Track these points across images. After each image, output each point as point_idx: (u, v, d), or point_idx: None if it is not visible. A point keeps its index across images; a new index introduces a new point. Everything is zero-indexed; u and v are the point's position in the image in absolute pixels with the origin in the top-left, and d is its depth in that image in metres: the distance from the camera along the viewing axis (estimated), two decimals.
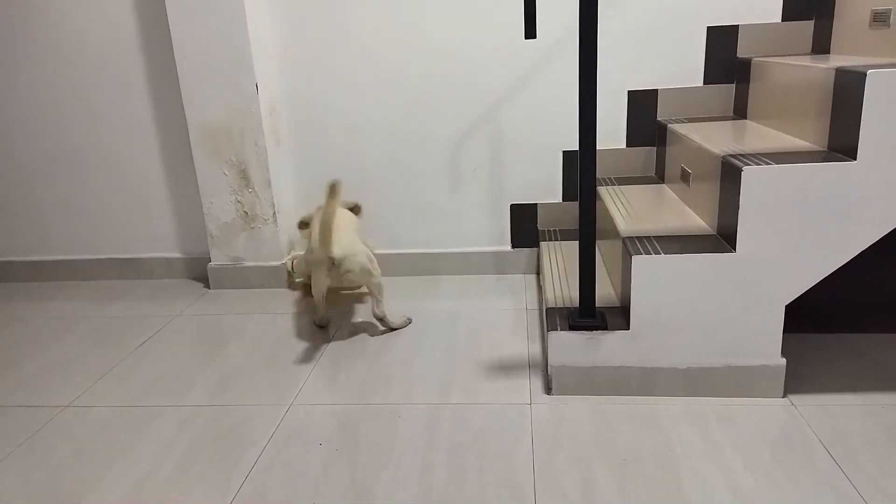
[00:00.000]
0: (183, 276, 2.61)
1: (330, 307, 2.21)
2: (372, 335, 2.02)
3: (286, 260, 2.42)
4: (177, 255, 2.59)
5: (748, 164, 1.43)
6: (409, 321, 2.07)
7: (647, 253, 1.51)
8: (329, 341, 1.98)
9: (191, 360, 1.92)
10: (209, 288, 2.48)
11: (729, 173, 1.50)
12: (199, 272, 2.59)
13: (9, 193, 2.59)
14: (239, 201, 2.36)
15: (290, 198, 2.46)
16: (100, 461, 1.47)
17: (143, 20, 2.33)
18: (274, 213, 2.36)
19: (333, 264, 1.85)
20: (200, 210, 2.49)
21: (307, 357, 1.89)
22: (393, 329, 2.03)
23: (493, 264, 2.45)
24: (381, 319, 2.00)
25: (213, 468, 1.42)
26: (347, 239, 1.90)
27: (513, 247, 2.44)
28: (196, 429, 1.57)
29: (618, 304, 1.69)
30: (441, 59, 2.26)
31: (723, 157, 1.54)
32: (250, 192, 2.35)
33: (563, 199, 2.36)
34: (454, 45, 2.24)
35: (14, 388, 1.81)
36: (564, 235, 2.32)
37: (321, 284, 1.96)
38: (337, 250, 1.83)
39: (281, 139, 2.39)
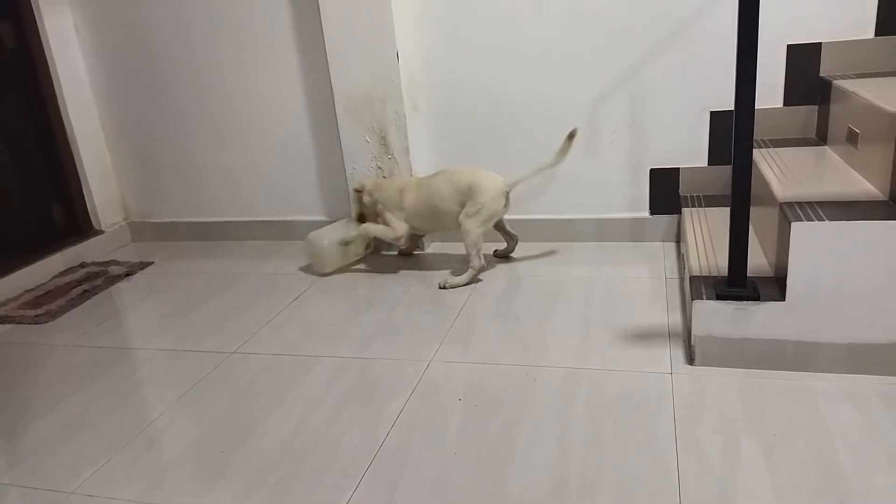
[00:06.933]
0: None
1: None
2: (507, 298, 2.04)
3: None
4: (322, 217, 2.75)
5: None
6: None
7: (809, 220, 1.41)
8: (465, 302, 2.03)
9: (338, 315, 2.05)
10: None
11: None
12: None
13: (177, 161, 2.85)
14: (379, 167, 2.45)
15: (426, 163, 2.52)
16: (264, 401, 1.62)
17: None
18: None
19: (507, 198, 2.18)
20: (344, 175, 2.62)
21: (445, 316, 1.96)
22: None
23: (630, 231, 2.39)
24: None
25: (363, 415, 1.52)
26: None
27: (651, 213, 2.36)
28: (345, 378, 1.68)
29: (770, 275, 1.60)
30: (581, 17, 2.20)
31: None
32: (389, 159, 2.43)
33: (709, 164, 2.24)
34: (595, 2, 2.17)
35: (186, 335, 2.02)
36: (709, 202, 2.20)
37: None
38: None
39: (419, 105, 2.45)
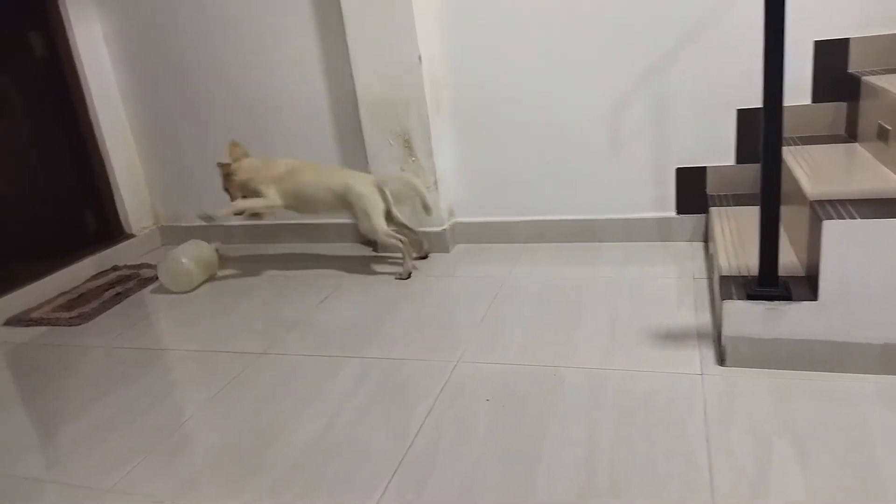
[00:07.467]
0: (351, 240, 2.78)
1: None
2: (534, 299, 2.04)
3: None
4: (347, 220, 2.76)
5: None
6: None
7: (840, 218, 1.39)
8: (491, 303, 2.04)
9: (365, 316, 2.06)
10: (377, 252, 2.63)
11: None
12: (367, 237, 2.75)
13: (206, 165, 2.89)
14: (403, 170, 2.46)
15: (449, 165, 2.52)
16: (294, 402, 1.63)
17: (315, 3, 2.48)
18: (435, 181, 2.44)
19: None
20: None
21: (471, 317, 1.96)
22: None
23: (657, 231, 2.37)
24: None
25: (391, 416, 1.53)
26: None
27: (678, 213, 2.34)
28: (374, 379, 1.69)
29: (802, 274, 1.58)
30: (605, 17, 2.19)
31: None
32: (413, 161, 2.44)
33: (737, 162, 2.22)
34: (618, 2, 2.16)
35: (216, 336, 2.05)
36: (738, 200, 2.18)
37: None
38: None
39: (441, 107, 2.45)
